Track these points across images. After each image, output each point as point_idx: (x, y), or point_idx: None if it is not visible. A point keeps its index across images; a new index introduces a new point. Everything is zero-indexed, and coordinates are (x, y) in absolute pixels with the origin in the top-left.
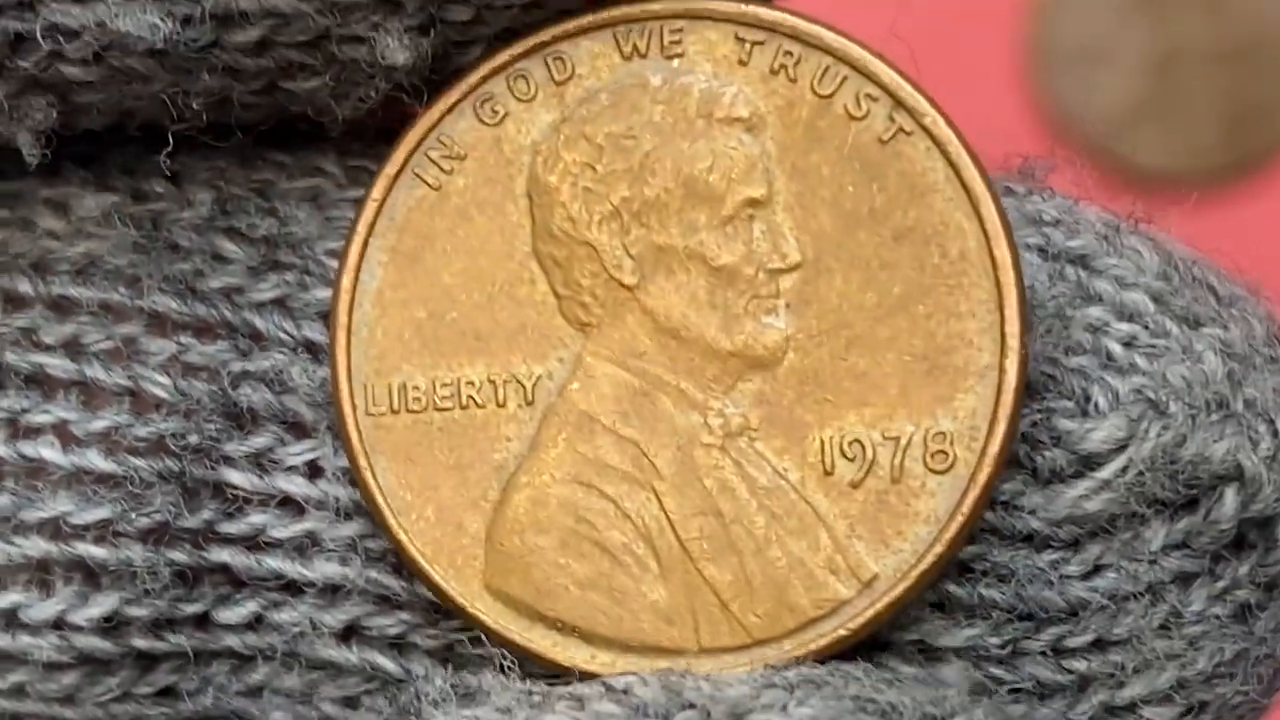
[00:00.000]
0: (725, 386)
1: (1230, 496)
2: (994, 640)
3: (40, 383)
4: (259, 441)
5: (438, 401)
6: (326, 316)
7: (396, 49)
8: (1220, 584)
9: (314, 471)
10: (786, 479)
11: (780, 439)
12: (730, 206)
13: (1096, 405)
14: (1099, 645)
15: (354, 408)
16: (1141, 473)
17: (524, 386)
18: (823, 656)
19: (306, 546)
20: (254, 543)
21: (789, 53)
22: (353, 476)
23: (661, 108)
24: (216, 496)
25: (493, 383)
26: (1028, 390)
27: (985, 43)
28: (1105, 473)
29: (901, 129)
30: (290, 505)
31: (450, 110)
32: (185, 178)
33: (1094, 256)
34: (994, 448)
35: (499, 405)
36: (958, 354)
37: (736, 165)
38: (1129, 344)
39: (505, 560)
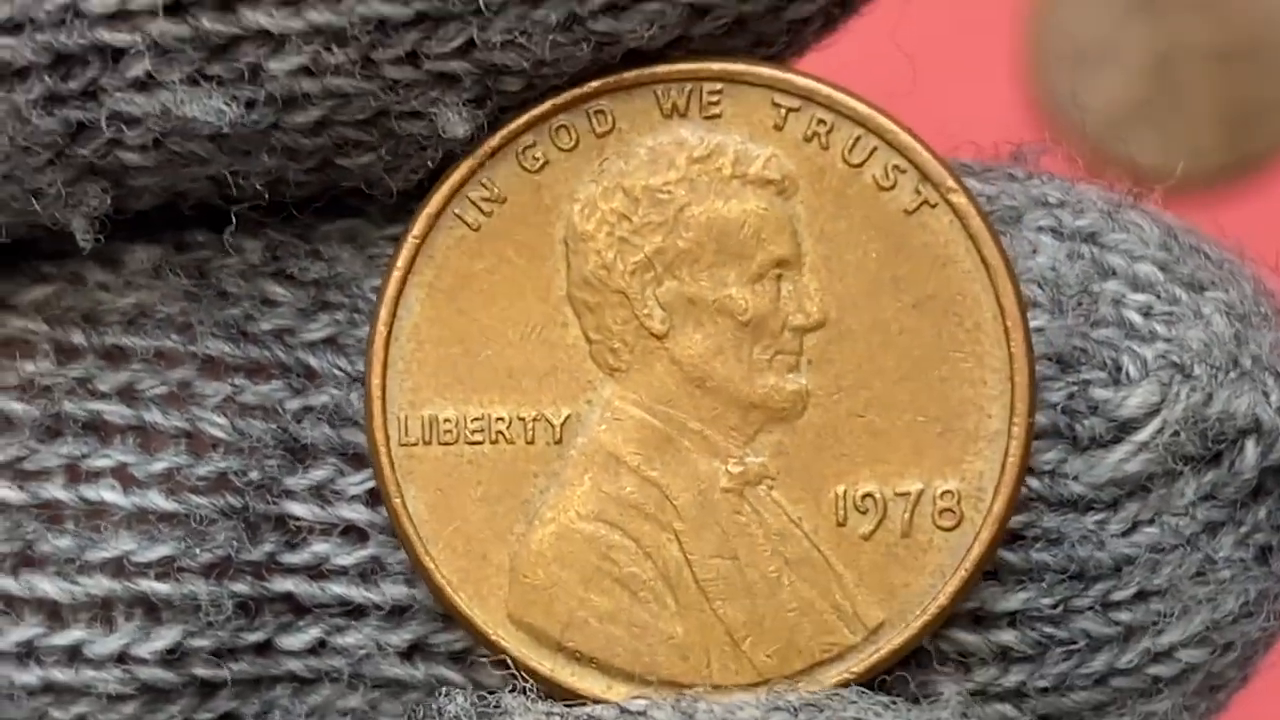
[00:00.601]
0: (746, 436)
1: (1251, 447)
2: (1046, 601)
3: (97, 429)
4: (319, 474)
5: (468, 435)
6: None
7: (456, 122)
8: (1243, 529)
9: (375, 499)
10: (801, 527)
11: (797, 489)
12: (759, 264)
13: (1128, 373)
14: (1141, 596)
15: (387, 437)
16: (1175, 433)
17: (553, 426)
18: None
19: (371, 571)
20: (317, 571)
21: (822, 121)
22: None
23: (698, 166)
24: (278, 529)
25: (523, 420)
26: (1062, 364)
27: (985, 43)
28: (1142, 435)
29: (926, 201)
30: (352, 533)
31: (492, 154)
32: (229, 226)
33: (1102, 233)
34: (999, 509)
35: (528, 442)
36: (969, 418)
37: (767, 225)
38: (1147, 313)
39: (529, 592)
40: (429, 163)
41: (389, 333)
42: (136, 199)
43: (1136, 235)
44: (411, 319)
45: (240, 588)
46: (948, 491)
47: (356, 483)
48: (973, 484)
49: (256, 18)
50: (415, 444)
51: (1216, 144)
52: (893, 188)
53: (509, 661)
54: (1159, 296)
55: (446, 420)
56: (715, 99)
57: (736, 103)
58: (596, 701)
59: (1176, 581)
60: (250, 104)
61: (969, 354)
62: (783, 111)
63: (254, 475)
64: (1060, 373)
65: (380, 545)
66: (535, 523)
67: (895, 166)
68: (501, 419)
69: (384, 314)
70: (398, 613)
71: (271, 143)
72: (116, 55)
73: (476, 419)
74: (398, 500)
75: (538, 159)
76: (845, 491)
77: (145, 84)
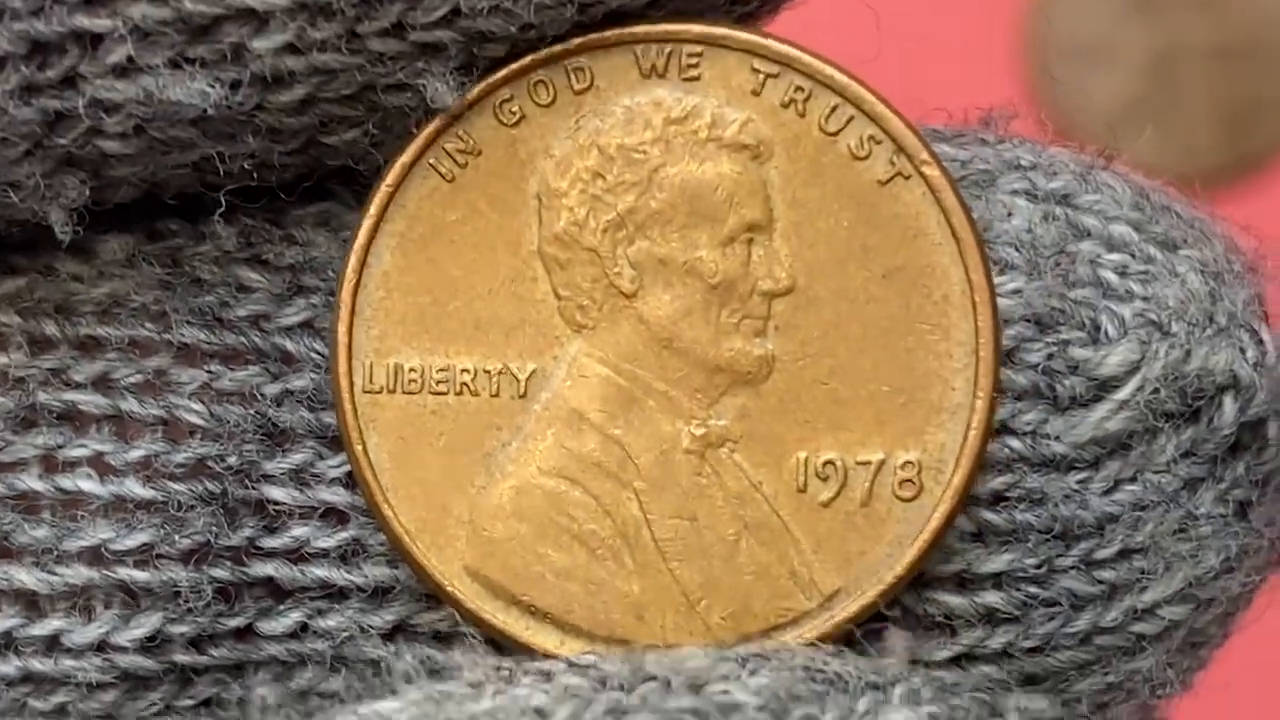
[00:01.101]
0: (710, 399)
1: (1229, 404)
2: (1030, 561)
3: (73, 419)
4: (298, 457)
5: (433, 385)
6: None
7: (444, 92)
8: (1222, 485)
9: (355, 480)
10: (761, 491)
11: (758, 453)
12: (730, 227)
13: (1106, 333)
14: (1124, 554)
15: (351, 384)
16: (1155, 390)
17: (518, 380)
18: None
19: (352, 553)
20: (297, 554)
21: (800, 88)
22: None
23: (674, 127)
24: (257, 513)
25: (488, 373)
26: (1041, 325)
27: (984, 41)
28: (1123, 394)
29: (900, 173)
30: (332, 515)
31: (470, 107)
32: (202, 212)
33: (1075, 195)
34: (958, 481)
35: (492, 395)
36: (933, 390)
37: (740, 189)
38: (1122, 273)
39: (486, 544)
40: (414, 131)
41: (358, 280)
42: (115, 190)
43: (1109, 196)
44: (381, 267)
45: (220, 573)
46: (909, 462)
47: (335, 465)
48: (934, 455)
49: None
50: (379, 391)
51: (1215, 143)
52: (867, 158)
53: (462, 613)
54: (1134, 256)
55: (412, 370)
56: (694, 61)
57: (715, 66)
58: (549, 656)
59: (1158, 538)
60: (234, 85)
61: (935, 326)
62: (761, 77)
63: (232, 460)
64: (1039, 333)
65: (360, 527)
66: (496, 476)
67: (871, 137)
68: (467, 370)
69: (353, 261)
70: (380, 594)
71: (256, 124)
72: (95, 41)
73: (442, 369)
74: (359, 447)
75: (514, 113)
76: (806, 458)
77: (126, 70)
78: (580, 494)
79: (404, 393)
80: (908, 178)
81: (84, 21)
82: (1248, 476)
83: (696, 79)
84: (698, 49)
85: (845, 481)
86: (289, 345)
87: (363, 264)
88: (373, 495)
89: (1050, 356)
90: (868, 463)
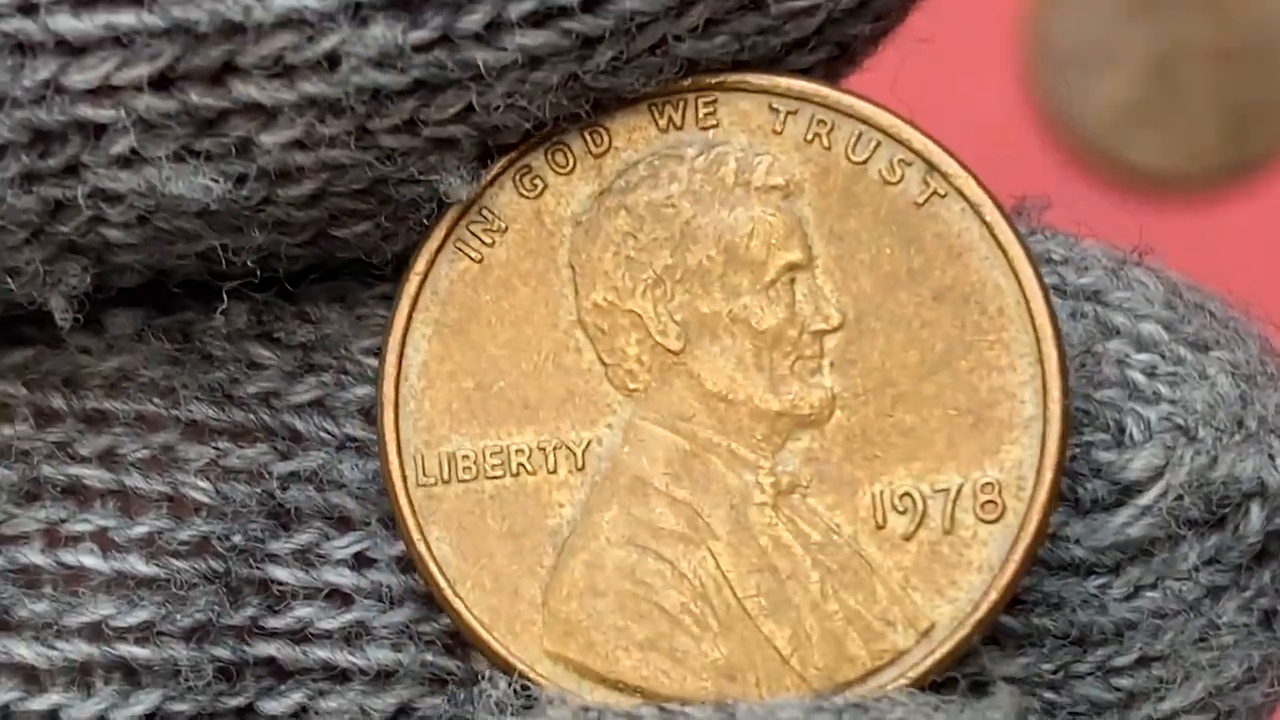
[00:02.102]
0: (775, 446)
1: (1256, 511)
2: (1047, 666)
3: (77, 493)
4: (304, 538)
5: (488, 470)
6: (367, 413)
7: (458, 185)
8: (1247, 594)
9: (362, 563)
10: (840, 534)
11: (831, 495)
12: (772, 271)
13: (1131, 436)
14: (1143, 662)
15: (404, 479)
16: (1179, 496)
17: (574, 453)
18: None
19: (355, 635)
20: (300, 635)
21: (822, 121)
22: (406, 561)
23: (700, 176)
24: (261, 593)
25: (543, 450)
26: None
27: (985, 43)
28: (1145, 499)
29: (936, 192)
30: (337, 596)
31: (491, 183)
32: (214, 289)
33: (1106, 291)
34: (1042, 495)
35: (550, 472)
36: (1001, 407)
37: (776, 231)
38: (1150, 374)
39: (563, 625)
40: (425, 223)
41: (398, 373)
42: (120, 275)
43: (1141, 293)
44: (420, 357)
45: (221, 652)
46: (987, 483)
47: (341, 546)
48: (1012, 473)
49: (248, 90)
50: (434, 483)
51: (1217, 144)
52: (900, 181)
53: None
54: (1163, 356)
55: (465, 456)
56: (711, 109)
57: (732, 110)
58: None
59: (1179, 647)
60: (240, 179)
61: (994, 341)
62: (781, 115)
63: (237, 539)
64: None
65: (364, 609)
66: (564, 553)
67: (900, 160)
68: (521, 450)
69: (391, 356)
70: (383, 677)
71: (263, 217)
72: (99, 131)
73: (495, 452)
74: (420, 544)
75: (536, 184)
76: (881, 492)
77: (129, 160)
78: (654, 561)
79: (459, 481)
80: (944, 196)
81: (87, 111)
82: (1274, 585)
83: (715, 125)
84: (712, 96)
85: (924, 511)
86: (298, 424)
87: (400, 357)
88: (441, 590)
89: (1073, 458)
90: (945, 490)
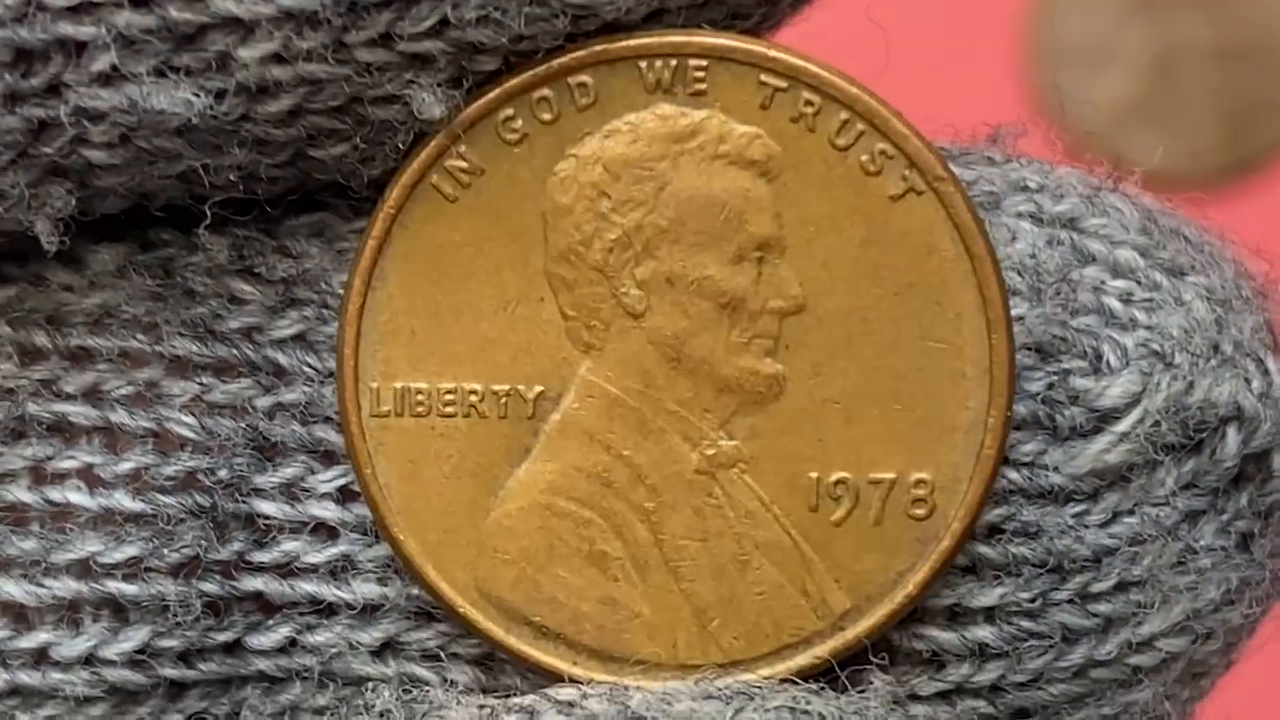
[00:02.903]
0: (721, 419)
1: (1232, 435)
2: (1024, 595)
3: (63, 430)
4: (289, 471)
5: (441, 409)
6: None
7: (432, 103)
8: (1224, 517)
9: (346, 496)
10: (772, 511)
11: (770, 473)
12: (740, 245)
13: (1108, 362)
14: (1121, 587)
15: (359, 408)
16: (1156, 422)
17: (526, 401)
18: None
19: (341, 569)
20: (287, 569)
21: (810, 102)
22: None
23: (681, 143)
24: (247, 527)
25: (496, 394)
26: (1042, 353)
27: (985, 42)
28: (1123, 425)
29: (913, 189)
30: (322, 530)
31: (471, 126)
32: (195, 224)
33: (1081, 218)
34: (971, 500)
35: (500, 417)
36: (946, 409)
37: (749, 206)
38: (1127, 300)
39: (497, 565)
40: (400, 146)
41: (362, 303)
42: (102, 200)
43: (1116, 220)
44: (385, 290)
45: (209, 587)
46: (921, 481)
47: (327, 480)
48: (947, 475)
49: (226, 4)
50: (387, 415)
51: (1216, 144)
52: (879, 173)
53: (474, 634)
54: (1139, 283)
55: (419, 393)
56: (701, 75)
57: (722, 80)
58: (561, 676)
59: (1156, 572)
60: (220, 94)
61: (949, 345)
62: (770, 91)
63: (222, 474)
64: (1040, 362)
65: (351, 543)
66: (505, 498)
67: (883, 152)
68: (475, 392)
69: (357, 284)
70: (369, 611)
71: (242, 135)
72: (80, 49)
73: (449, 392)
74: (368, 470)
75: (517, 131)
76: (818, 478)
77: (110, 78)
78: (591, 514)
79: (411, 416)
80: (920, 193)
81: (68, 29)
82: (1250, 508)
83: (703, 93)
84: (703, 62)
85: (858, 500)
86: (281, 358)
87: (366, 287)
88: (382, 518)
89: (1051, 386)
90: (880, 482)
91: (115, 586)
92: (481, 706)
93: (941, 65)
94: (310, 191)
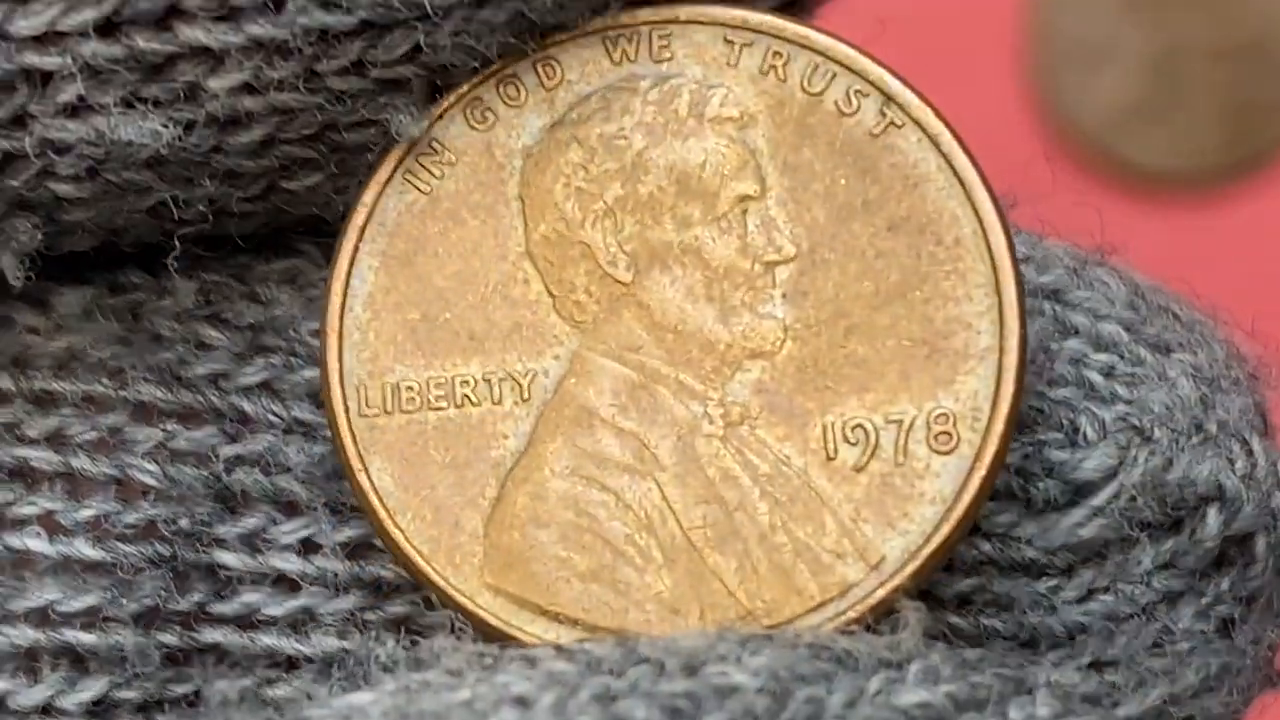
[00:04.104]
0: (724, 377)
1: (1213, 516)
2: None
3: (24, 475)
4: (251, 522)
5: (432, 401)
6: (315, 395)
7: (409, 123)
8: (1204, 600)
9: (308, 548)
10: (789, 465)
11: (782, 426)
12: (724, 202)
13: (1085, 435)
14: (1095, 666)
15: (346, 410)
16: (1132, 498)
17: (520, 384)
18: None
19: (302, 622)
20: (247, 621)
21: (778, 53)
22: (352, 547)
23: (653, 108)
24: (208, 578)
25: (488, 381)
26: (1018, 425)
27: (984, 42)
28: (1098, 500)
29: (893, 122)
30: (284, 583)
31: (440, 116)
32: (163, 267)
33: (1066, 290)
34: (998, 427)
35: (494, 403)
36: (957, 337)
37: (729, 162)
38: (1108, 374)
39: (504, 556)
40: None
41: (343, 304)
42: (70, 235)
43: (1102, 293)
44: (365, 288)
45: (169, 638)
46: (941, 414)
47: (289, 531)
48: (967, 404)
49: (194, 34)
50: (376, 414)
51: (1217, 144)
52: (856, 112)
53: (489, 632)
54: (1122, 357)
55: (408, 388)
56: (665, 42)
57: (687, 43)
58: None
59: (1132, 652)
60: (189, 125)
61: (950, 272)
62: (736, 47)
63: (184, 523)
64: (1015, 433)
65: (312, 596)
66: (508, 484)
67: (857, 90)
68: (465, 381)
69: (336, 285)
70: (329, 665)
71: (213, 167)
72: (45, 79)
73: (439, 383)
74: (361, 474)
75: (486, 116)
76: (832, 423)
77: (77, 109)
78: (599, 492)
79: (402, 412)
80: (900, 126)
81: (33, 59)
82: (1232, 593)
83: (669, 58)
84: (667, 29)
85: (876, 442)
86: (246, 406)
87: (345, 288)
88: (381, 522)
89: (1026, 457)
90: (898, 421)
91: (74, 635)
92: (482, 654)
93: (941, 65)
94: (282, 228)
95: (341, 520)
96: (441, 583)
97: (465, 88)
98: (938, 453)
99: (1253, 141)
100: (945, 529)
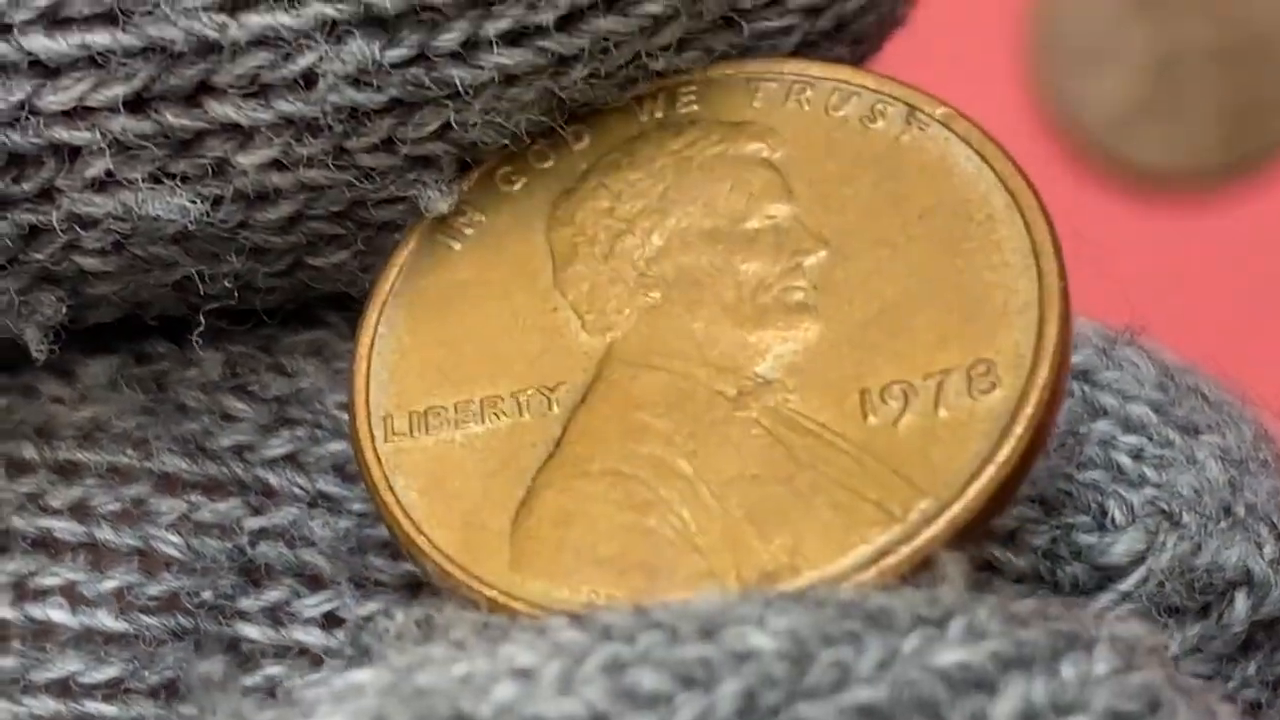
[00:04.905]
0: (756, 362)
1: (1241, 601)
2: None
3: (47, 546)
4: (274, 595)
5: (459, 421)
6: (341, 468)
7: (438, 199)
8: (1231, 685)
9: (331, 622)
10: (827, 431)
11: (817, 399)
12: (752, 221)
13: (1113, 519)
14: None
15: (372, 439)
16: (1160, 583)
17: (546, 396)
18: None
19: None
20: (269, 694)
21: (799, 85)
22: (375, 620)
23: (678, 149)
24: (230, 651)
25: (515, 398)
26: (1046, 506)
27: (985, 42)
28: (1126, 585)
29: (918, 125)
30: (306, 656)
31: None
32: (188, 338)
33: (1095, 371)
34: (1042, 372)
35: (522, 416)
36: (995, 299)
37: (755, 184)
38: (1137, 456)
39: (533, 549)
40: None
41: (370, 350)
42: (95, 308)
43: (1131, 374)
44: (394, 334)
45: (190, 711)
46: (982, 362)
47: (312, 605)
48: (1009, 354)
49: (224, 110)
50: (403, 438)
51: (1218, 144)
52: (880, 120)
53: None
54: (1150, 439)
55: (435, 413)
56: (690, 96)
57: (711, 93)
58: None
59: None
60: (217, 201)
61: (984, 243)
62: (756, 85)
63: (206, 595)
64: (1043, 515)
65: (334, 670)
66: (536, 486)
67: (879, 106)
68: (493, 401)
69: (365, 338)
70: None
71: (240, 242)
72: (73, 154)
73: (466, 405)
74: (386, 492)
75: (514, 177)
76: (870, 388)
77: (104, 184)
78: (629, 483)
79: (429, 434)
80: (925, 128)
81: (62, 134)
82: (1259, 677)
83: (694, 108)
84: (692, 87)
85: (916, 395)
86: (271, 479)
87: (374, 336)
88: (405, 533)
89: (1054, 540)
90: (937, 375)
91: (95, 707)
92: (488, 624)
93: (941, 65)
94: (308, 302)
95: (365, 594)
96: (471, 580)
97: (497, 159)
98: (980, 395)
99: (1253, 141)
100: (991, 469)
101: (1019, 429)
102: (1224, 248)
